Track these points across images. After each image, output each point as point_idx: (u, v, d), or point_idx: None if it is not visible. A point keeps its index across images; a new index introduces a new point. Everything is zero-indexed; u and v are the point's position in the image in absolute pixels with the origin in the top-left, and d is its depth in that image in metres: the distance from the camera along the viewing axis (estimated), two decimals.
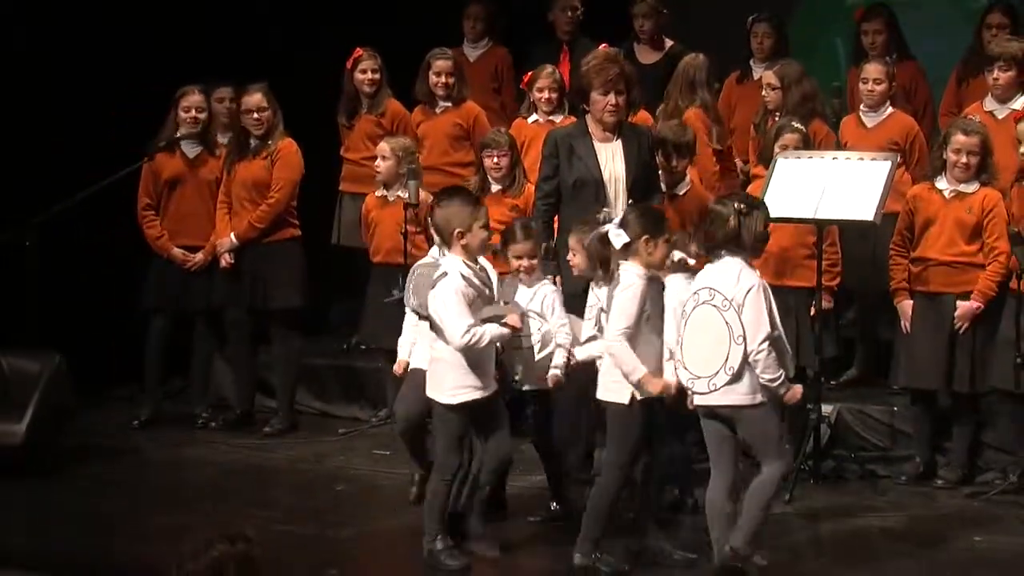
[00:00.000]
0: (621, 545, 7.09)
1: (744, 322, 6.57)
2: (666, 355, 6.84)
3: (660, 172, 8.42)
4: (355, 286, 9.94)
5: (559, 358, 7.34)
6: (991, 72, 8.88)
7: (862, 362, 9.39)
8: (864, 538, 7.56)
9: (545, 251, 7.92)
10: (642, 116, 9.12)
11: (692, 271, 7.14)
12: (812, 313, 8.37)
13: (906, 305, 8.34)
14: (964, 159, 8.14)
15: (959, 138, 8.16)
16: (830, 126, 9.30)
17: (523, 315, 7.17)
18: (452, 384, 7.00)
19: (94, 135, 9.74)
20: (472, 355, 6.96)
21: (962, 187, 8.20)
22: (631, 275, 6.81)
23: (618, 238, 6.82)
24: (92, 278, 9.82)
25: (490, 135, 9.19)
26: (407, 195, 9.05)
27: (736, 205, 6.69)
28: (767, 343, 6.57)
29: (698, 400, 6.72)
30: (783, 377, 6.63)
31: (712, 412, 6.70)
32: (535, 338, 7.39)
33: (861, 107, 9.28)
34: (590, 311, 7.36)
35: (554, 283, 7.83)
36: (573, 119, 8.83)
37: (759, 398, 6.62)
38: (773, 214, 7.00)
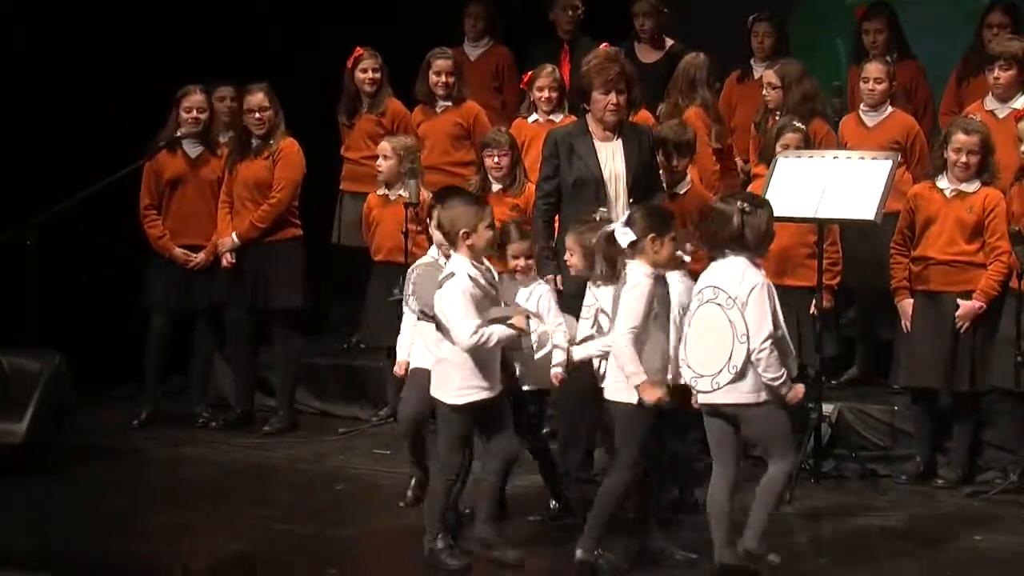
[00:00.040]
0: (621, 545, 7.08)
1: (747, 320, 6.58)
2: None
3: (661, 171, 8.42)
4: (355, 286, 9.95)
5: (559, 357, 7.34)
6: (992, 71, 8.88)
7: (863, 361, 9.38)
8: (864, 537, 7.55)
9: (546, 251, 7.92)
10: (643, 115, 9.12)
11: (689, 269, 7.15)
12: (812, 312, 8.36)
13: (906, 304, 8.34)
14: (964, 158, 8.14)
15: (960, 137, 8.15)
16: (831, 125, 9.30)
17: (529, 316, 7.16)
18: (458, 384, 6.99)
19: (94, 135, 9.75)
20: (478, 355, 6.95)
21: (963, 186, 8.20)
22: (638, 274, 6.82)
23: (624, 237, 6.83)
24: (92, 278, 9.83)
25: (491, 134, 9.20)
26: (408, 194, 9.06)
27: (739, 204, 6.70)
28: (769, 342, 6.57)
29: (702, 398, 6.72)
30: (784, 377, 6.63)
31: (716, 410, 6.71)
32: (532, 338, 7.39)
33: (861, 106, 9.28)
34: (587, 311, 7.36)
35: (555, 283, 7.84)
36: (573, 118, 8.83)
37: (763, 396, 6.62)
38: (774, 213, 6.99)
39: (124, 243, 9.64)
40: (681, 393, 6.85)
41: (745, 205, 6.69)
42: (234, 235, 9.41)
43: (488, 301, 7.00)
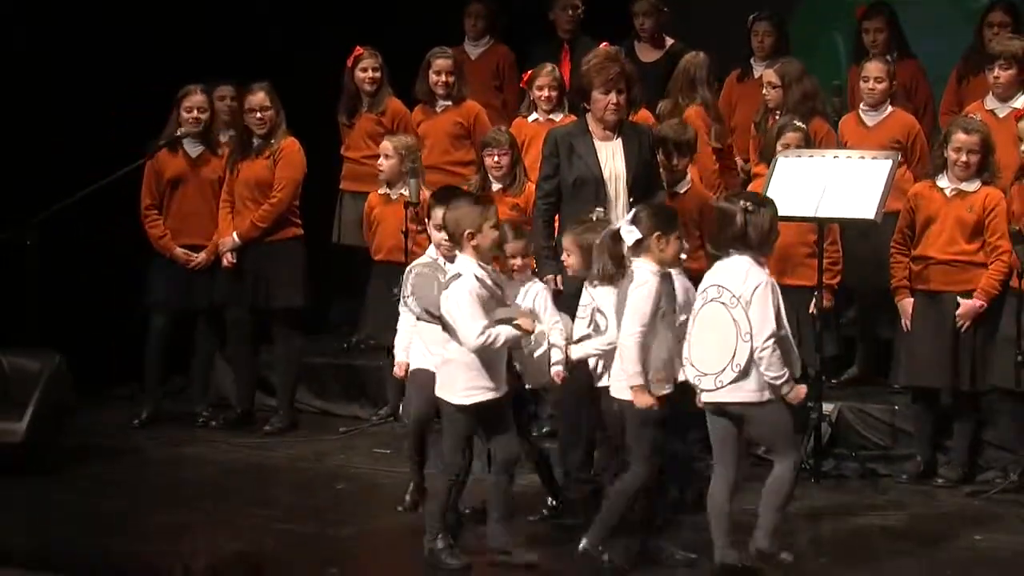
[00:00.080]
0: (621, 544, 7.08)
1: (751, 319, 6.59)
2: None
3: (661, 170, 8.41)
4: (355, 285, 9.96)
5: (557, 356, 7.33)
6: (992, 71, 8.88)
7: (863, 361, 9.38)
8: (865, 537, 7.55)
9: (546, 250, 7.92)
10: (643, 115, 9.12)
11: (686, 267, 7.16)
12: (812, 312, 8.36)
13: (907, 303, 8.34)
14: (964, 157, 8.14)
15: (960, 136, 8.15)
16: (831, 124, 9.29)
17: (535, 317, 7.15)
18: (464, 385, 6.98)
19: (94, 135, 9.75)
20: (485, 356, 6.94)
21: (963, 186, 8.20)
22: (645, 272, 6.84)
23: (630, 235, 6.85)
24: (92, 278, 9.83)
25: (491, 134, 9.20)
26: (408, 193, 9.06)
27: (742, 203, 6.72)
28: (772, 340, 6.59)
29: (705, 397, 6.73)
30: (787, 376, 6.63)
31: (720, 409, 6.72)
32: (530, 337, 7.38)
33: (861, 106, 9.28)
34: (583, 310, 7.37)
35: (555, 283, 7.84)
36: (573, 117, 8.82)
37: (767, 395, 6.64)
38: (778, 212, 6.99)
39: (124, 243, 9.64)
40: (682, 393, 6.87)
41: (748, 204, 6.71)
42: (235, 235, 9.41)
43: (494, 302, 7.00)
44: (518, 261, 7.50)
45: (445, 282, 7.05)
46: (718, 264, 6.79)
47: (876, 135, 9.10)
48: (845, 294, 9.06)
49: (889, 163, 8.30)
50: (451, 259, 7.38)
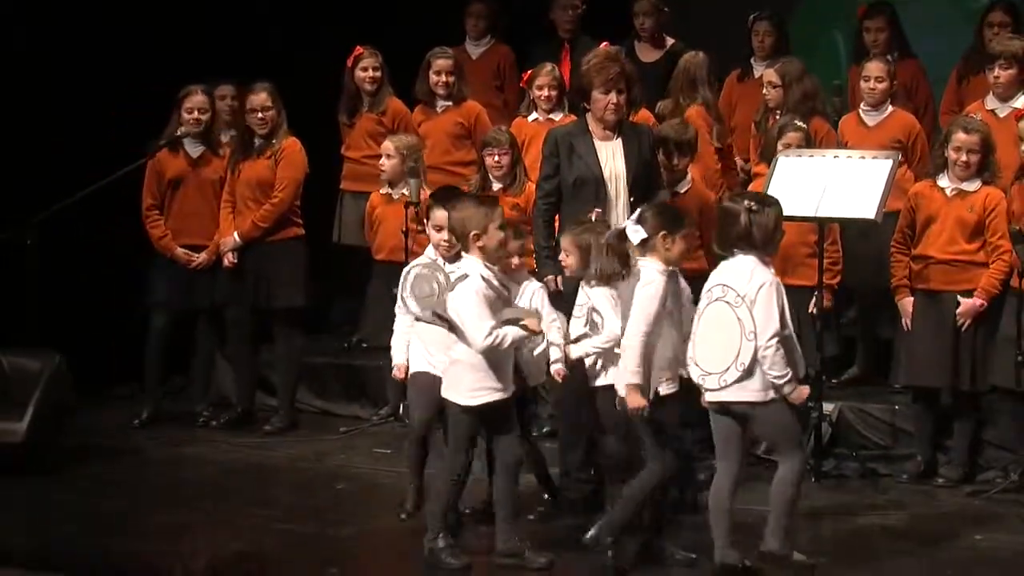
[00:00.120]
0: (621, 544, 7.08)
1: (755, 318, 6.59)
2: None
3: (662, 170, 8.41)
4: (356, 285, 9.96)
5: (556, 353, 7.33)
6: (992, 70, 8.88)
7: (863, 361, 9.38)
8: (865, 537, 7.55)
9: (546, 250, 7.92)
10: (643, 115, 9.11)
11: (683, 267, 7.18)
12: (812, 311, 8.36)
13: (907, 302, 8.34)
14: (965, 157, 8.14)
15: (960, 136, 8.16)
16: (831, 124, 9.29)
17: (552, 320, 7.14)
18: (470, 385, 6.97)
19: (94, 135, 9.74)
20: (492, 357, 6.94)
21: (964, 185, 8.20)
22: (652, 272, 6.85)
23: (636, 234, 6.85)
24: (92, 278, 9.83)
25: (491, 134, 9.20)
26: (408, 193, 9.06)
27: (747, 203, 6.73)
28: (775, 340, 6.59)
29: (709, 396, 6.74)
30: (790, 376, 6.64)
31: (724, 409, 6.73)
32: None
33: (862, 105, 9.28)
34: (579, 310, 7.39)
35: (556, 283, 7.84)
36: (573, 117, 8.82)
37: (771, 395, 6.64)
38: (783, 212, 6.98)
39: (124, 243, 9.64)
40: (684, 392, 6.88)
41: (752, 204, 6.72)
42: (236, 234, 9.41)
43: (501, 302, 7.00)
44: (515, 260, 7.49)
45: (451, 283, 7.02)
46: (723, 264, 6.79)
47: (877, 135, 9.10)
48: (845, 294, 9.06)
49: (889, 163, 8.30)
50: (450, 259, 7.37)
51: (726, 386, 6.66)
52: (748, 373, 6.63)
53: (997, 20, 9.67)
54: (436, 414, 7.42)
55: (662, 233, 6.86)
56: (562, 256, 7.55)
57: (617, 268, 7.32)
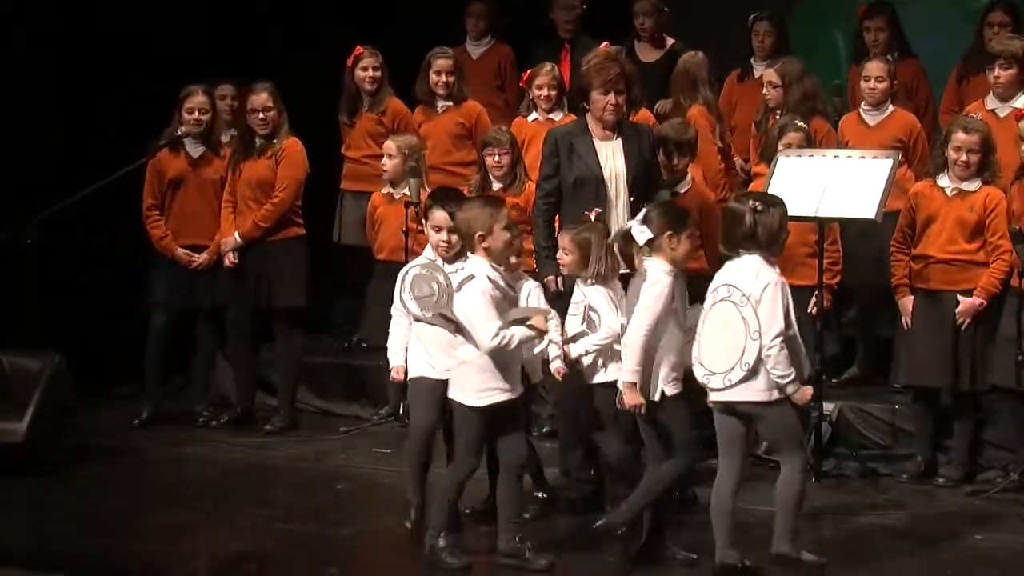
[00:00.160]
0: (622, 544, 7.08)
1: (759, 317, 6.59)
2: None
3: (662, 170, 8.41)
4: (356, 284, 9.96)
5: (555, 351, 7.33)
6: (992, 70, 8.88)
7: (863, 360, 9.38)
8: (865, 536, 7.55)
9: (546, 250, 7.92)
10: (643, 115, 9.11)
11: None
12: (811, 311, 8.36)
13: (907, 301, 8.34)
14: (964, 157, 8.14)
15: (960, 136, 8.16)
16: (831, 124, 9.29)
17: (548, 317, 7.15)
18: (477, 386, 6.95)
19: (94, 135, 9.74)
20: (500, 358, 6.92)
21: (964, 185, 8.20)
22: (658, 272, 6.86)
23: (641, 234, 6.86)
24: (92, 278, 9.83)
25: (491, 133, 9.20)
26: (409, 193, 9.06)
27: (751, 203, 6.75)
28: (780, 339, 6.60)
29: (714, 396, 6.75)
30: (793, 376, 6.64)
31: (729, 408, 6.73)
32: None
33: (862, 105, 9.28)
34: (574, 308, 7.40)
35: (556, 283, 7.84)
36: (572, 117, 8.83)
37: (775, 395, 6.65)
38: (788, 212, 6.98)
39: (124, 243, 9.63)
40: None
41: (757, 204, 6.74)
42: (237, 234, 9.40)
43: (507, 302, 6.99)
44: (512, 259, 7.48)
45: (457, 284, 7.01)
46: (729, 264, 6.80)
47: (878, 134, 9.10)
48: (845, 294, 9.06)
49: (889, 163, 8.30)
50: (449, 260, 7.35)
51: (731, 386, 6.67)
52: (753, 373, 6.63)
53: (997, 20, 9.67)
54: (438, 422, 7.38)
55: (668, 233, 6.87)
56: (560, 254, 7.55)
57: (615, 267, 7.34)
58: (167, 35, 10.15)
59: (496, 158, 9.00)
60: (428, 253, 7.56)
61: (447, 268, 7.26)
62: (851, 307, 9.48)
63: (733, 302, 6.67)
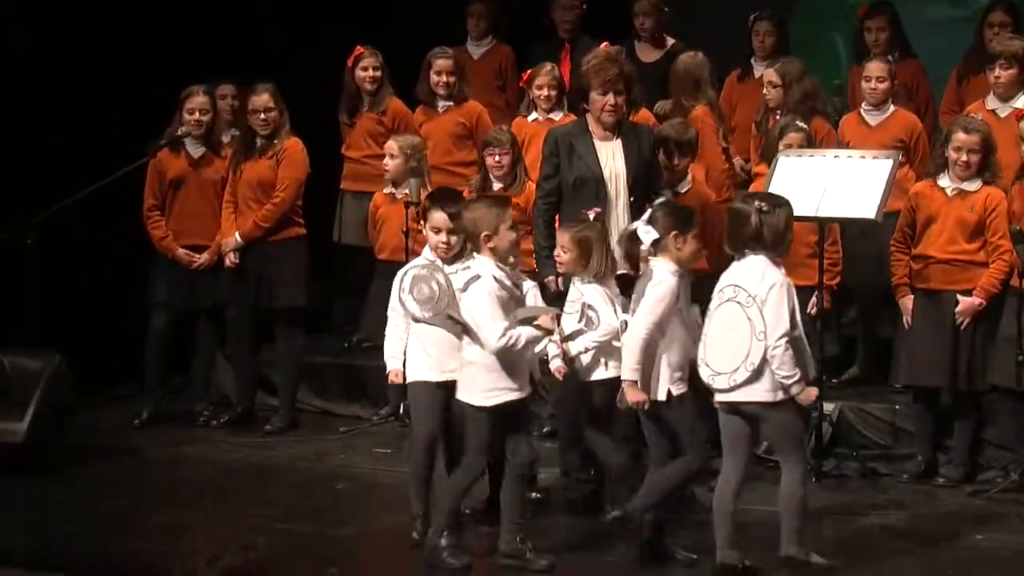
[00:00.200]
0: (622, 544, 7.08)
1: (765, 317, 6.59)
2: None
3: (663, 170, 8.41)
4: (356, 284, 9.96)
5: (554, 350, 7.32)
6: (992, 70, 8.88)
7: (863, 360, 9.37)
8: (866, 536, 7.55)
9: (546, 250, 7.91)
10: (643, 115, 9.11)
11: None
12: (811, 311, 8.36)
13: (907, 300, 8.34)
14: (965, 157, 8.14)
15: (960, 136, 8.15)
16: (831, 124, 9.29)
17: (555, 316, 7.15)
18: (484, 386, 6.93)
19: (94, 135, 9.74)
20: (507, 358, 6.91)
21: (964, 185, 8.20)
22: (663, 272, 6.87)
23: (647, 235, 6.86)
24: (92, 278, 9.82)
25: (492, 133, 9.21)
26: (409, 193, 9.06)
27: (757, 204, 6.75)
28: (785, 340, 6.60)
29: (719, 397, 6.75)
30: (798, 376, 6.64)
31: (735, 408, 6.73)
32: None
33: (863, 105, 9.27)
34: (571, 306, 7.40)
35: (556, 283, 7.84)
36: (572, 117, 8.83)
37: (780, 395, 6.65)
38: (794, 212, 6.98)
39: (124, 243, 9.63)
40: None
41: (763, 205, 6.74)
42: (238, 235, 9.40)
43: (513, 302, 6.99)
44: (510, 259, 7.48)
45: (463, 284, 7.00)
46: (735, 264, 6.81)
47: (879, 134, 9.10)
48: (845, 294, 9.06)
49: (890, 163, 8.30)
50: (448, 261, 7.31)
51: (736, 386, 6.67)
52: (758, 374, 6.63)
53: (997, 20, 9.67)
54: (440, 427, 7.31)
55: (674, 233, 6.87)
56: (557, 251, 7.55)
57: (613, 268, 7.34)
58: (167, 35, 10.15)
59: (496, 158, 9.00)
60: (427, 254, 7.52)
61: (447, 269, 7.25)
62: (851, 307, 9.48)
63: (739, 303, 6.67)
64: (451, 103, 10.01)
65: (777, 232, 6.72)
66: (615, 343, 7.20)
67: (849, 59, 10.69)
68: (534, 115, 9.54)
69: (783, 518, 6.75)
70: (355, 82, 10.04)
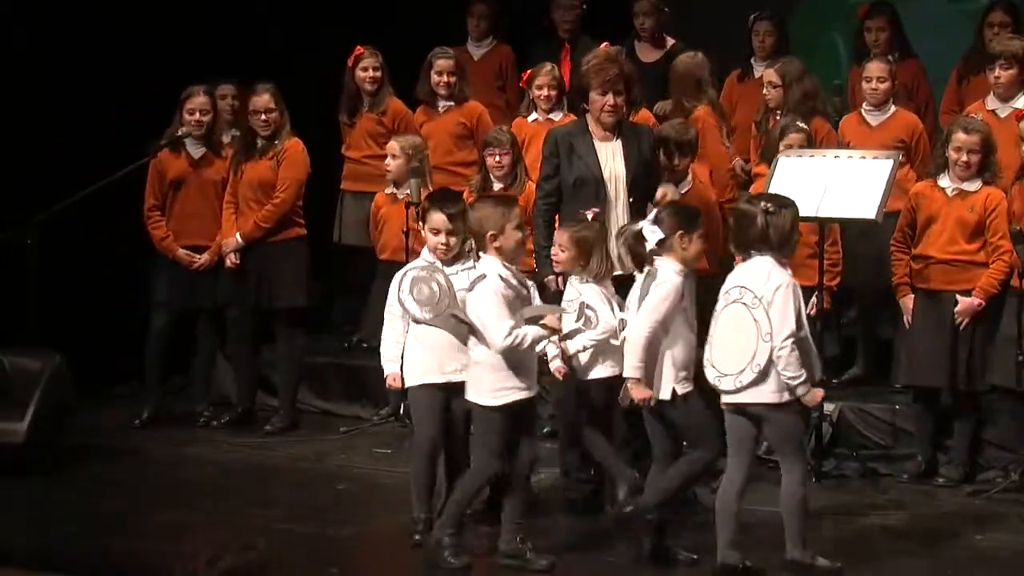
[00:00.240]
0: (623, 544, 7.08)
1: (771, 318, 6.59)
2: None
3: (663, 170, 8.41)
4: (356, 285, 9.96)
5: (554, 350, 7.32)
6: (992, 70, 8.88)
7: (863, 361, 9.37)
8: (866, 537, 7.55)
9: (546, 250, 7.91)
10: (643, 115, 9.10)
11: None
12: (811, 312, 8.36)
13: (907, 300, 8.34)
14: (965, 157, 8.14)
15: (960, 136, 8.16)
16: (831, 124, 9.29)
17: (562, 315, 7.14)
18: (491, 386, 6.92)
19: (94, 135, 9.74)
20: (514, 357, 6.91)
21: (964, 185, 8.20)
22: (668, 272, 6.87)
23: (653, 235, 6.87)
24: (92, 278, 9.82)
25: (492, 133, 9.21)
26: (409, 193, 9.07)
27: (763, 205, 6.76)
28: (791, 341, 6.60)
29: (726, 398, 6.75)
30: (803, 377, 6.64)
31: (740, 409, 6.74)
32: None
33: (864, 105, 9.27)
34: (569, 305, 7.42)
35: (556, 283, 7.84)
36: (572, 117, 8.83)
37: (786, 396, 6.66)
38: (799, 213, 6.98)
39: (125, 243, 9.63)
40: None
41: (768, 206, 6.75)
42: (238, 235, 9.40)
43: (519, 301, 6.99)
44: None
45: (469, 284, 6.99)
46: (741, 265, 6.82)
47: (879, 135, 9.10)
48: (845, 294, 9.06)
49: (890, 163, 8.30)
50: (447, 262, 7.30)
51: (742, 387, 6.67)
52: (764, 375, 6.64)
53: (997, 20, 9.67)
54: (443, 431, 7.29)
55: (679, 233, 6.88)
56: (555, 250, 7.55)
57: (611, 268, 7.35)
58: (167, 35, 10.15)
59: (497, 158, 9.00)
60: (426, 255, 7.47)
61: (446, 270, 7.24)
62: (851, 307, 9.48)
63: (745, 304, 6.68)
64: (452, 103, 10.01)
65: (783, 233, 6.72)
66: (613, 342, 7.21)
67: (849, 59, 10.70)
68: (534, 115, 9.54)
69: (785, 520, 6.76)
70: (355, 82, 10.04)
